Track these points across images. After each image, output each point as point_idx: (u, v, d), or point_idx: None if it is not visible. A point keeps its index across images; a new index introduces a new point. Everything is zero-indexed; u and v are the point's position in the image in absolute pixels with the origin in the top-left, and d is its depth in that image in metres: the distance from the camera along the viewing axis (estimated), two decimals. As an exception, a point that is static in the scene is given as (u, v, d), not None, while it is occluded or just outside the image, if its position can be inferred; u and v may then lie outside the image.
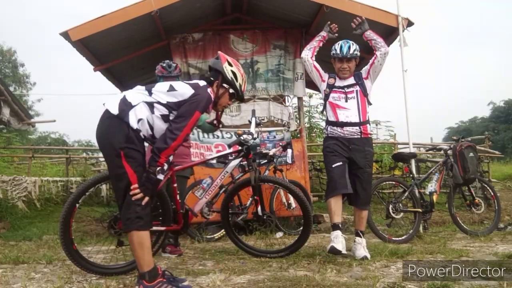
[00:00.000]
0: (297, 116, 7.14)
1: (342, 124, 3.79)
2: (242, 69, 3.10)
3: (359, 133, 3.79)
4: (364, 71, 3.92)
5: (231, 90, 3.01)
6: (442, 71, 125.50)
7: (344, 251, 3.50)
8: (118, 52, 6.39)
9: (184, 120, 2.63)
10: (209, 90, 2.81)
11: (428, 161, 7.84)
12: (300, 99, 6.66)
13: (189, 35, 6.28)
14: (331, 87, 3.90)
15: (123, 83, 7.77)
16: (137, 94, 2.71)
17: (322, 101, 4.10)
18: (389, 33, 5.89)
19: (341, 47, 3.83)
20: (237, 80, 3.00)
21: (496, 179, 9.79)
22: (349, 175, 3.77)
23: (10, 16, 57.04)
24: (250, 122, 4.11)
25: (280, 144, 5.53)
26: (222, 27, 6.67)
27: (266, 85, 6.35)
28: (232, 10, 6.63)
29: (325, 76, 3.96)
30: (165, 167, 2.59)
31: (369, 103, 3.89)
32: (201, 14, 6.39)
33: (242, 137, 3.67)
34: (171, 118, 2.67)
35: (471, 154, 5.21)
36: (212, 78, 2.96)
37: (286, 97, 6.58)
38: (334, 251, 3.46)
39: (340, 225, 3.63)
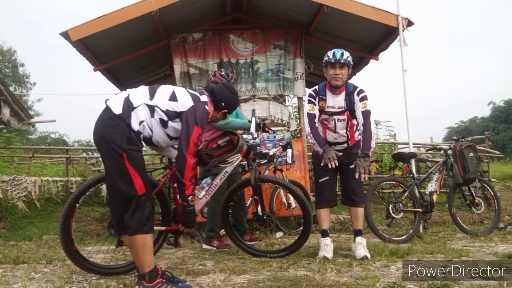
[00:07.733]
0: (297, 116, 7.14)
1: (331, 143, 3.92)
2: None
3: (347, 144, 3.94)
4: (354, 100, 3.79)
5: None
6: (442, 71, 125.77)
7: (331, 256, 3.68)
8: (118, 52, 6.39)
9: (186, 139, 2.68)
10: (207, 106, 2.89)
11: (428, 161, 7.84)
12: (300, 99, 6.65)
13: (189, 35, 6.28)
14: (321, 110, 3.86)
15: (123, 83, 7.76)
16: (139, 96, 2.72)
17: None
18: (389, 33, 5.90)
19: (334, 53, 3.80)
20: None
21: (496, 179, 9.79)
22: (339, 175, 3.97)
23: (10, 16, 57.15)
24: (250, 122, 4.11)
25: (280, 144, 5.52)
26: (222, 27, 6.66)
27: (266, 85, 6.35)
28: (232, 10, 6.64)
29: (316, 100, 3.86)
30: (196, 190, 2.84)
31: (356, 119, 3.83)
32: (201, 14, 6.39)
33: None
34: (169, 124, 2.72)
35: (471, 154, 5.21)
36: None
37: (286, 97, 6.57)
38: (325, 258, 3.60)
39: (328, 231, 3.87)
